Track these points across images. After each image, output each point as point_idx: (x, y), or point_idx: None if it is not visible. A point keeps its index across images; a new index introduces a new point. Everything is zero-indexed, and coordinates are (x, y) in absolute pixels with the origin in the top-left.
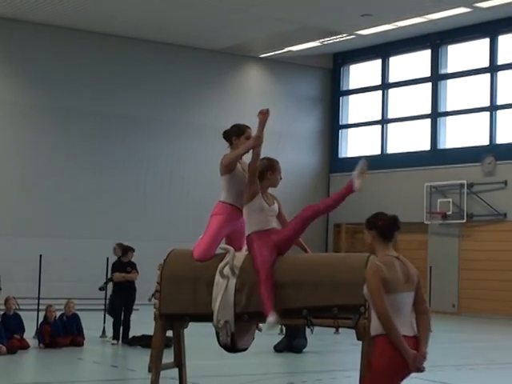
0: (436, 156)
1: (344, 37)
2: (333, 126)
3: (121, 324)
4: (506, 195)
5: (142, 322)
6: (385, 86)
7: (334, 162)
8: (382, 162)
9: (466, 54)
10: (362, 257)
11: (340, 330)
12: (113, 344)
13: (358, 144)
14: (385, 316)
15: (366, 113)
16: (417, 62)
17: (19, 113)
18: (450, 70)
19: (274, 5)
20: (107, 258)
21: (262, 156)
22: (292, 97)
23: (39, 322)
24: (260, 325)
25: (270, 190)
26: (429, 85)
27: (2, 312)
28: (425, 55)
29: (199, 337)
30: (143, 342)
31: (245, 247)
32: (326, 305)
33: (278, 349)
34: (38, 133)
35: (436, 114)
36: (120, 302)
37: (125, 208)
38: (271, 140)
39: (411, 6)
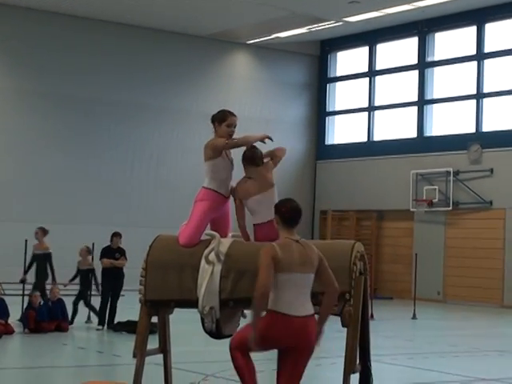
0: (422, 143)
1: (331, 24)
2: (320, 113)
3: (106, 309)
4: (491, 183)
5: (128, 307)
6: (372, 73)
7: (321, 149)
8: (369, 149)
9: (453, 41)
10: (347, 244)
11: None
12: (98, 329)
13: (344, 131)
14: (262, 290)
15: (352, 100)
16: (404, 50)
17: (3, 98)
18: (436, 57)
19: None
20: (93, 244)
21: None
22: (279, 83)
23: (24, 307)
24: (245, 311)
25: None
26: (416, 72)
27: None
28: (412, 42)
29: (184, 323)
30: (128, 327)
31: (230, 233)
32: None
33: None
34: (22, 118)
35: (423, 102)
36: (107, 288)
37: (111, 194)
38: (258, 126)
39: None
